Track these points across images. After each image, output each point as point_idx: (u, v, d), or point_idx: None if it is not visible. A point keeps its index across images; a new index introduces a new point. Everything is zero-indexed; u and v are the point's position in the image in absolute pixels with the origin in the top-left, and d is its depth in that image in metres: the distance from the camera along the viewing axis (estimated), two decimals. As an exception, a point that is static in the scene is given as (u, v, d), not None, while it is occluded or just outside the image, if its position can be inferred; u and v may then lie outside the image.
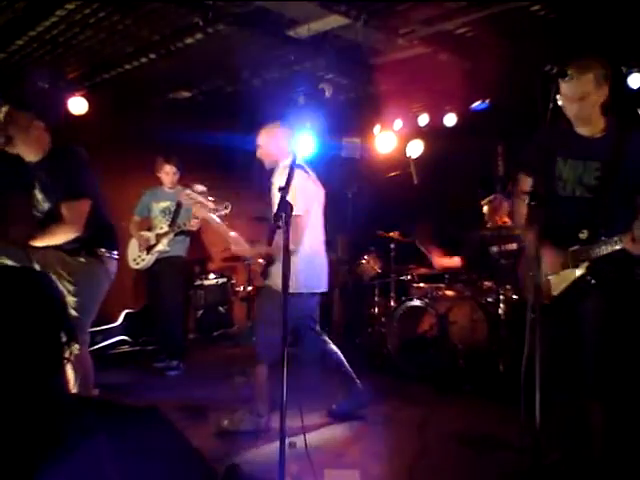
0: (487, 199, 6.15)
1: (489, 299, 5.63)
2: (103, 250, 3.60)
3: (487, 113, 6.52)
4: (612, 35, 4.93)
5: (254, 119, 7.38)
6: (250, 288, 7.81)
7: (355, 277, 6.80)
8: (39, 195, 3.56)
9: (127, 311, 6.71)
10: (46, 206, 3.55)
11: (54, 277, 3.42)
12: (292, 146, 4.16)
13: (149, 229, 6.02)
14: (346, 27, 5.18)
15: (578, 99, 2.93)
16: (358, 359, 5.31)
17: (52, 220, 3.49)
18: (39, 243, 3.47)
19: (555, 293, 3.07)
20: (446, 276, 6.15)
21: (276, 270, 3.98)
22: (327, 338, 4.38)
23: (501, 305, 5.37)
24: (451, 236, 6.46)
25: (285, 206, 2.60)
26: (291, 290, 3.86)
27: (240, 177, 7.80)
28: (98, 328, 6.22)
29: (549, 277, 3.07)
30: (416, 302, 5.80)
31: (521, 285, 3.48)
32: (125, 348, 6.53)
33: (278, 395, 2.41)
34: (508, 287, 5.44)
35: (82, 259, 3.50)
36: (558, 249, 3.03)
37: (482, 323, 5.44)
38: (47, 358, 1.35)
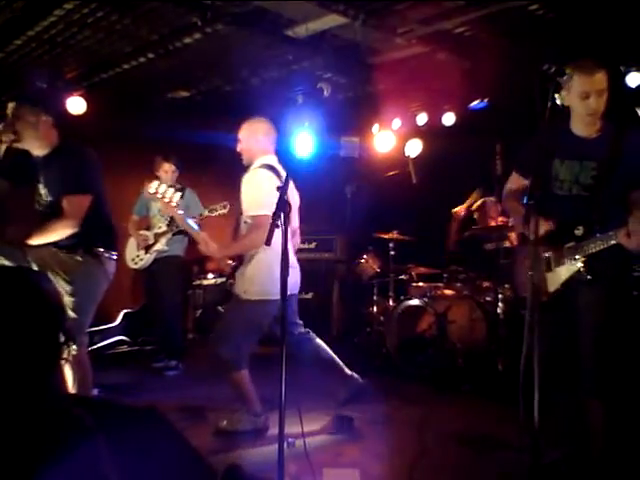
0: (477, 204, 6.15)
1: (488, 298, 5.64)
2: (102, 250, 3.59)
3: (485, 112, 6.52)
4: (610, 34, 4.94)
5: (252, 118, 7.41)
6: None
7: (354, 276, 6.80)
8: (42, 189, 3.56)
9: (126, 311, 6.70)
10: (48, 200, 3.55)
11: (51, 277, 3.41)
12: (271, 144, 4.12)
13: (147, 228, 6.01)
14: (344, 26, 5.18)
15: (598, 94, 2.94)
16: (357, 359, 5.32)
17: (53, 214, 3.49)
18: (37, 239, 3.45)
19: (551, 289, 3.09)
20: (445, 275, 6.15)
21: (241, 275, 3.96)
22: (311, 336, 4.29)
23: (500, 304, 5.37)
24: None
25: (284, 206, 2.60)
26: (253, 297, 3.89)
27: (239, 176, 7.80)
28: (96, 328, 6.21)
29: (546, 274, 3.09)
30: (415, 301, 5.80)
31: (516, 283, 3.49)
32: (124, 348, 6.53)
33: (276, 395, 2.41)
34: (507, 286, 5.44)
35: (79, 257, 3.48)
36: (554, 246, 3.05)
37: (481, 322, 5.45)
38: (44, 358, 1.35)
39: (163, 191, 3.86)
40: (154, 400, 4.53)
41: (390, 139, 7.29)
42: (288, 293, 3.95)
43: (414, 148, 7.08)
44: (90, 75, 6.53)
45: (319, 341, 4.26)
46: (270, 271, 3.82)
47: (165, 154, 6.04)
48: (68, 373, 3.42)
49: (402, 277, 6.50)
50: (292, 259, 4.10)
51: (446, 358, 5.43)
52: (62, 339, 1.40)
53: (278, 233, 3.88)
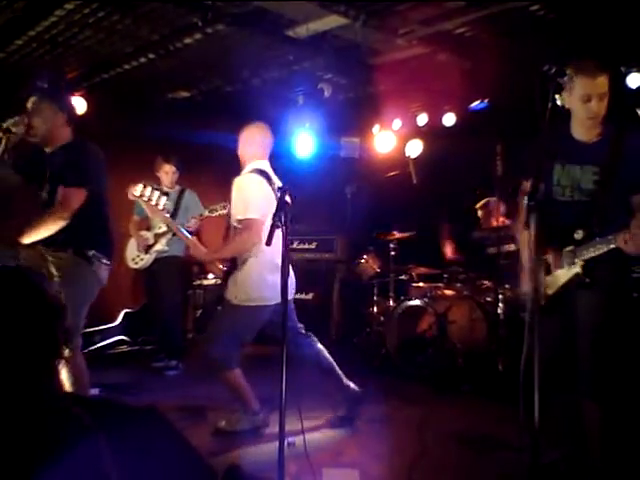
0: (481, 203, 6.17)
1: (488, 298, 5.64)
2: (96, 253, 3.53)
3: (486, 113, 6.52)
4: (611, 35, 4.94)
5: (253, 119, 7.41)
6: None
7: (354, 276, 6.80)
8: (47, 183, 3.55)
9: (126, 311, 6.71)
10: (49, 193, 3.54)
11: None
12: (265, 149, 4.12)
13: (148, 229, 6.02)
14: (345, 27, 5.19)
15: (599, 98, 2.94)
16: (357, 359, 5.34)
17: (50, 205, 3.49)
18: (30, 234, 3.41)
19: (550, 292, 3.09)
20: (445, 276, 6.16)
21: (233, 280, 3.95)
22: (312, 340, 4.27)
23: (500, 304, 5.38)
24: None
25: (284, 206, 2.61)
26: (243, 302, 3.88)
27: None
28: (97, 328, 6.22)
29: (545, 277, 3.09)
30: (415, 302, 5.80)
31: (519, 285, 3.48)
32: (124, 348, 6.53)
33: (276, 395, 2.42)
34: (507, 286, 5.45)
35: (67, 257, 3.44)
36: (554, 250, 3.05)
37: (481, 322, 5.45)
38: (43, 357, 1.35)
39: (149, 194, 3.81)
40: (154, 400, 4.54)
41: (390, 139, 7.29)
42: (270, 303, 3.93)
43: (414, 149, 7.08)
44: (91, 75, 6.54)
45: (320, 346, 4.25)
46: (261, 277, 3.83)
47: (166, 155, 6.04)
48: (64, 376, 3.41)
49: (402, 277, 6.51)
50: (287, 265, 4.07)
51: (446, 358, 5.43)
52: (62, 338, 1.40)
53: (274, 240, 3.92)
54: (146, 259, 5.88)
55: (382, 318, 6.33)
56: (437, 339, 5.54)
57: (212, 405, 4.52)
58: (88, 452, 1.22)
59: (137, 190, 3.83)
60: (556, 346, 3.02)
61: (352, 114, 7.45)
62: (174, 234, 5.82)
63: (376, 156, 7.43)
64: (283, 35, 5.38)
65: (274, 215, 2.66)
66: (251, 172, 3.98)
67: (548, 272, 3.09)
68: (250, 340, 4.06)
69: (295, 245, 7.04)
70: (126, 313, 6.69)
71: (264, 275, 3.84)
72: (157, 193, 3.86)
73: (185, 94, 7.38)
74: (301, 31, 5.30)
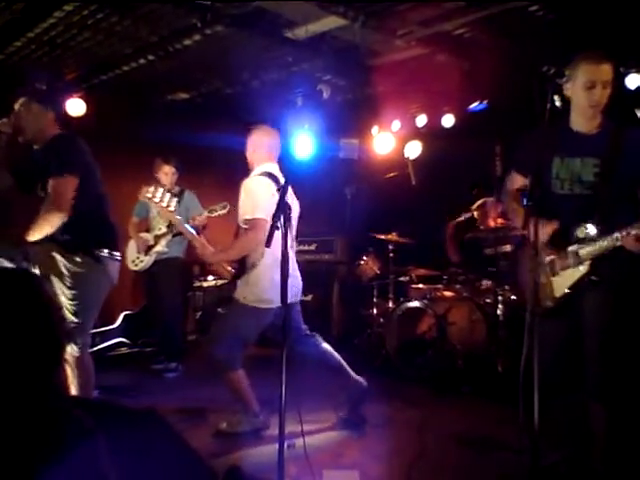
0: (477, 203, 6.17)
1: (487, 300, 5.64)
2: (105, 251, 3.56)
3: (485, 114, 6.52)
4: (610, 36, 4.94)
5: (252, 120, 7.41)
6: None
7: (354, 278, 6.80)
8: (40, 182, 3.54)
9: (126, 312, 6.70)
10: (42, 193, 3.53)
11: (53, 280, 3.41)
12: (273, 152, 4.14)
13: (147, 230, 6.02)
14: (344, 28, 5.19)
15: (603, 85, 2.92)
16: (357, 360, 5.30)
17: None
18: (34, 233, 3.41)
19: (558, 295, 3.02)
20: (444, 277, 6.16)
21: (243, 281, 3.97)
22: (317, 340, 4.30)
23: (499, 306, 5.38)
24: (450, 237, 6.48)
25: (284, 207, 2.60)
26: (251, 303, 3.90)
27: (238, 178, 7.80)
28: (97, 330, 6.21)
29: (551, 278, 3.05)
30: (415, 303, 5.80)
31: (521, 287, 3.46)
32: (124, 350, 6.52)
33: (276, 396, 2.41)
34: (506, 288, 5.44)
35: (78, 259, 3.45)
36: (558, 249, 3.02)
37: (481, 324, 5.45)
38: (44, 359, 1.35)
39: (160, 196, 3.85)
40: (154, 402, 4.53)
41: (389, 141, 7.30)
42: (289, 300, 4.03)
43: (414, 150, 7.08)
44: (90, 77, 6.54)
45: (326, 345, 4.27)
46: (270, 279, 3.84)
47: (165, 156, 6.04)
48: (70, 375, 3.42)
49: (402, 279, 6.51)
50: (293, 267, 4.09)
51: (446, 360, 5.43)
52: (62, 340, 1.40)
53: (277, 241, 3.93)
54: (146, 261, 5.88)
55: (382, 319, 6.32)
56: (437, 340, 5.53)
57: (212, 407, 4.51)
58: (89, 454, 1.22)
59: (149, 192, 3.86)
60: (563, 348, 3.00)
61: (351, 115, 7.46)
62: (174, 235, 5.84)
63: (375, 157, 7.43)
64: (282, 36, 5.38)
65: (273, 216, 2.66)
66: (260, 175, 4.02)
67: (554, 273, 3.04)
68: (252, 342, 4.07)
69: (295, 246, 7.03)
70: (126, 315, 6.68)
71: (273, 276, 3.82)
72: (168, 195, 3.91)
73: (184, 96, 7.38)
74: (300, 32, 5.30)
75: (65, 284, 3.41)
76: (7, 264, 3.44)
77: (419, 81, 6.37)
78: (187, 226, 4.12)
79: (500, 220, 5.77)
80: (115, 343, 6.48)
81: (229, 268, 4.16)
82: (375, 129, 7.47)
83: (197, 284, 7.59)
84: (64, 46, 5.71)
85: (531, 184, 2.65)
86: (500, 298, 5.39)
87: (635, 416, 2.93)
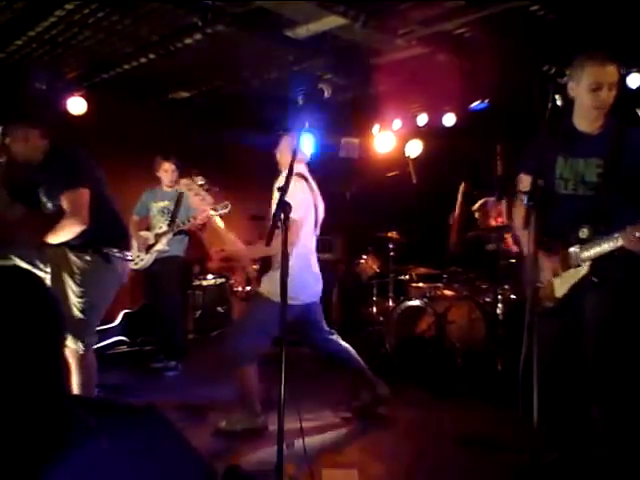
0: (478, 204, 6.17)
1: (487, 299, 5.64)
2: (114, 250, 3.60)
3: (486, 113, 6.52)
4: (611, 35, 4.94)
5: (253, 119, 7.42)
6: (249, 288, 7.81)
7: (353, 277, 6.81)
8: (43, 198, 3.59)
9: (125, 311, 6.70)
10: (50, 205, 3.57)
11: (64, 277, 3.44)
12: (302, 154, 4.25)
13: (148, 229, 6.02)
14: (345, 27, 5.19)
15: (609, 87, 2.92)
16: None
17: (59, 215, 3.51)
18: (53, 239, 3.47)
19: (559, 295, 3.02)
20: (444, 276, 6.16)
21: (269, 277, 4.01)
22: (336, 338, 4.39)
23: (499, 305, 5.37)
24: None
25: (284, 207, 2.61)
26: (276, 298, 3.92)
27: (239, 177, 7.81)
28: (96, 328, 6.21)
29: (552, 279, 3.05)
30: (414, 302, 5.80)
31: (523, 287, 3.45)
32: (123, 348, 6.52)
33: (275, 394, 2.42)
34: (506, 287, 5.45)
35: (88, 257, 3.50)
36: (559, 249, 3.01)
37: (480, 323, 5.45)
38: (44, 358, 1.35)
39: (198, 188, 3.92)
40: (153, 400, 4.53)
41: (390, 140, 7.30)
42: (311, 300, 4.15)
43: (414, 149, 7.08)
44: (91, 75, 6.54)
45: (345, 344, 4.37)
46: (297, 276, 3.87)
47: (165, 153, 6.04)
48: (73, 373, 3.44)
49: (402, 277, 6.51)
50: (316, 267, 4.22)
51: (445, 358, 5.43)
52: (61, 337, 1.40)
53: (308, 237, 3.98)
54: (146, 259, 5.88)
55: (381, 318, 6.33)
56: (436, 339, 5.54)
57: (211, 406, 4.52)
58: (91, 453, 1.22)
59: (187, 183, 3.93)
60: (563, 348, 3.00)
61: (352, 114, 7.46)
62: (175, 234, 5.85)
63: (376, 156, 7.43)
64: (283, 35, 5.38)
65: (274, 214, 2.67)
66: (295, 175, 4.06)
67: (556, 274, 3.04)
68: (270, 340, 4.08)
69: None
70: (125, 313, 6.68)
71: (301, 274, 3.96)
72: (204, 190, 3.98)
73: (185, 94, 7.38)
74: (301, 31, 5.30)
75: (74, 281, 3.45)
76: (23, 265, 3.46)
77: (420, 80, 6.36)
78: (219, 221, 4.14)
79: (501, 219, 5.77)
80: (114, 341, 6.48)
81: (254, 266, 4.19)
82: (376, 128, 7.48)
83: (197, 283, 7.60)
84: (65, 45, 5.71)
85: (532, 184, 2.64)
86: (500, 297, 5.39)
87: (634, 417, 2.93)
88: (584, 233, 2.91)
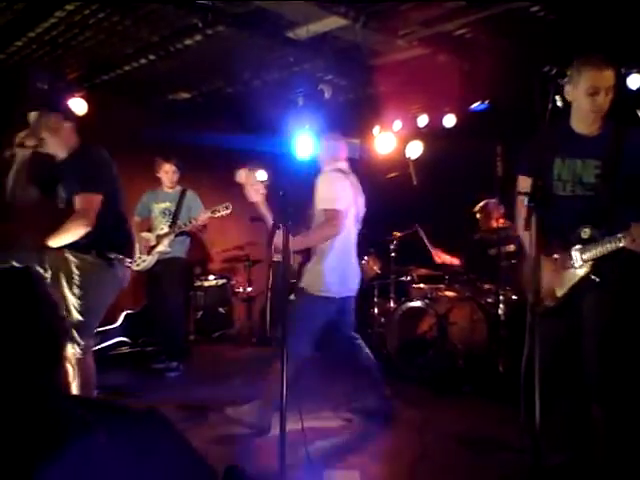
0: (479, 206, 6.17)
1: (489, 300, 5.64)
2: (116, 255, 3.60)
3: (486, 114, 6.52)
4: (612, 36, 4.94)
5: (253, 120, 7.42)
6: (250, 289, 7.82)
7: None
8: (62, 192, 3.59)
9: (127, 312, 6.70)
10: (64, 199, 3.58)
11: (62, 279, 3.44)
12: (341, 153, 4.36)
13: (149, 230, 6.02)
14: (345, 28, 5.19)
15: (606, 91, 2.92)
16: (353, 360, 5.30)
17: (68, 211, 3.52)
18: (55, 241, 3.46)
19: (559, 294, 3.03)
20: (446, 277, 6.16)
21: (308, 271, 4.07)
22: (361, 343, 4.40)
23: (501, 306, 5.37)
24: (451, 237, 6.49)
25: (285, 207, 2.61)
26: (320, 293, 3.99)
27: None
28: (98, 329, 6.21)
29: (553, 279, 3.05)
30: (416, 303, 5.80)
31: (523, 287, 3.46)
32: (125, 349, 6.52)
33: (277, 395, 2.42)
34: (508, 288, 5.45)
35: (91, 259, 3.49)
36: (560, 250, 3.02)
37: (482, 324, 5.45)
38: (43, 358, 1.35)
39: (253, 179, 4.01)
40: (155, 401, 4.53)
41: (391, 141, 7.30)
42: (349, 294, 4.19)
43: (415, 150, 7.08)
44: (91, 76, 6.55)
45: (367, 350, 4.39)
46: (337, 269, 4.02)
47: (165, 155, 6.04)
48: (71, 375, 3.43)
49: (403, 278, 6.51)
50: (356, 261, 4.30)
51: (447, 359, 5.43)
52: (63, 339, 1.40)
53: (346, 233, 4.07)
54: (148, 260, 5.88)
55: (383, 319, 6.33)
56: (438, 340, 5.53)
57: (213, 406, 4.51)
58: (91, 453, 1.22)
59: (243, 174, 4.01)
60: (563, 348, 3.00)
61: (352, 115, 7.46)
62: (176, 235, 5.85)
63: (376, 157, 7.43)
64: (283, 36, 5.39)
65: (275, 216, 2.68)
66: (332, 170, 4.22)
67: (557, 273, 3.04)
68: (313, 341, 4.07)
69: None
70: (127, 314, 6.68)
71: (341, 267, 4.07)
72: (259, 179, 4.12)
73: (185, 95, 7.39)
74: (301, 32, 5.31)
75: (74, 283, 3.44)
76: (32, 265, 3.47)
77: (420, 81, 6.36)
78: (266, 211, 4.14)
79: (502, 221, 5.77)
80: (116, 342, 6.48)
81: (297, 258, 4.21)
82: (376, 129, 7.47)
83: (198, 284, 7.60)
84: (65, 46, 5.72)
85: (532, 185, 2.65)
86: (501, 298, 5.38)
87: (635, 416, 2.93)
88: (586, 233, 2.92)
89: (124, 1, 4.84)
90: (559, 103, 2.98)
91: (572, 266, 2.98)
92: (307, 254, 4.11)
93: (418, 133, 7.17)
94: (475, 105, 6.56)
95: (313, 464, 3.10)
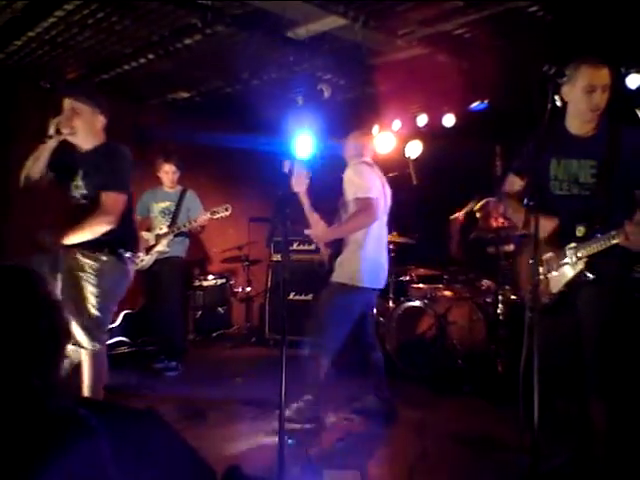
0: (480, 204, 6.17)
1: (488, 299, 5.64)
2: (127, 252, 3.63)
3: (485, 113, 6.52)
4: (610, 35, 4.94)
5: (253, 120, 7.42)
6: (249, 289, 7.82)
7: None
8: (80, 181, 3.59)
9: (126, 312, 6.69)
10: (83, 193, 3.59)
11: (80, 278, 3.46)
12: (367, 149, 4.52)
13: (148, 229, 6.01)
14: (345, 28, 5.19)
15: (603, 90, 2.95)
16: (356, 360, 5.30)
17: (86, 207, 3.53)
18: (74, 237, 3.47)
19: (554, 290, 3.07)
20: (445, 277, 6.16)
21: (340, 262, 4.12)
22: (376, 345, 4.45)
23: (500, 305, 5.37)
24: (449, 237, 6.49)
25: (283, 207, 2.61)
26: (355, 282, 4.03)
27: (239, 177, 7.81)
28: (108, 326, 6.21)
29: (548, 275, 3.08)
30: (415, 302, 5.80)
31: (518, 284, 3.49)
32: (124, 349, 6.51)
33: (277, 395, 2.41)
34: (507, 287, 5.45)
35: (104, 257, 3.51)
36: (555, 247, 3.04)
37: (481, 323, 5.45)
38: (43, 357, 1.35)
39: (299, 169, 4.19)
40: (154, 401, 4.54)
41: (390, 140, 7.29)
42: (380, 286, 4.25)
43: (414, 149, 7.08)
44: (90, 76, 6.54)
45: (380, 355, 4.44)
46: (372, 259, 4.09)
47: (166, 155, 6.04)
48: (84, 371, 3.46)
49: (402, 278, 6.50)
50: (387, 252, 4.34)
51: (446, 359, 5.43)
52: (63, 337, 1.40)
53: (379, 222, 4.14)
54: (147, 260, 5.88)
55: (382, 319, 6.32)
56: (437, 340, 5.53)
57: (212, 406, 4.52)
58: (92, 453, 1.22)
59: (287, 165, 4.02)
60: (560, 345, 3.02)
61: (352, 115, 7.45)
62: (175, 235, 5.85)
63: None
64: (283, 36, 5.38)
65: (274, 215, 2.68)
66: (361, 163, 4.33)
67: (551, 270, 3.07)
68: (347, 333, 4.10)
69: (295, 246, 7.05)
70: (126, 314, 6.67)
71: (373, 258, 4.12)
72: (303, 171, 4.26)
73: (185, 95, 7.38)
74: (301, 32, 5.31)
75: (90, 282, 3.46)
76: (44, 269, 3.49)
77: (420, 81, 6.36)
78: (306, 200, 4.29)
79: (502, 220, 5.77)
80: (115, 342, 6.48)
81: (328, 250, 4.28)
82: (376, 128, 7.47)
83: (197, 283, 7.60)
84: (65, 45, 5.71)
85: (531, 184, 2.67)
86: (500, 298, 5.39)
87: (635, 412, 2.95)
88: (580, 231, 2.97)
89: (123, 1, 4.83)
90: (558, 103, 2.99)
91: (567, 263, 3.01)
92: (337, 246, 4.17)
93: (417, 133, 7.17)
94: (474, 105, 6.56)
95: (313, 464, 3.10)
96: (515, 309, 5.26)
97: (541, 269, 3.06)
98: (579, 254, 2.95)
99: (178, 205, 5.99)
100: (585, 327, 2.98)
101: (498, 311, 5.38)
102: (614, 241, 2.80)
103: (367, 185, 4.10)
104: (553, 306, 3.04)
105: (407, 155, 7.02)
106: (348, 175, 4.21)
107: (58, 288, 3.48)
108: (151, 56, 5.93)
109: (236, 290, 7.95)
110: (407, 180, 6.80)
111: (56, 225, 3.64)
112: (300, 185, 4.20)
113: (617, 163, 2.94)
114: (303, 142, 6.45)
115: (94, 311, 3.45)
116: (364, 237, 4.09)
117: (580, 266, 2.96)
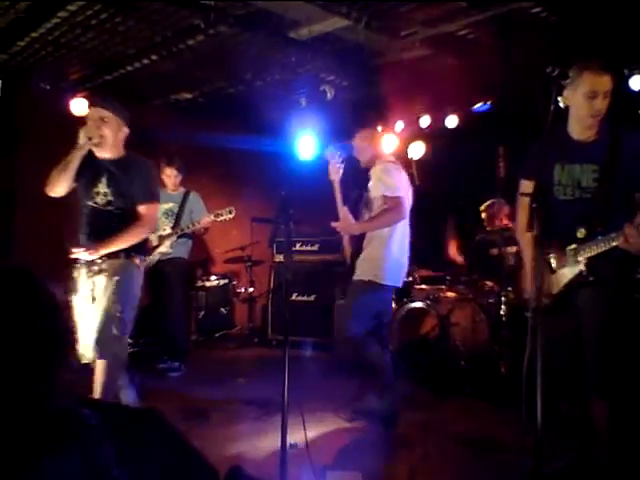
0: (485, 205, 6.17)
1: (491, 301, 5.63)
2: (140, 256, 3.77)
3: (488, 115, 6.52)
4: (614, 37, 4.94)
5: (255, 120, 7.43)
6: (251, 290, 7.82)
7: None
8: (105, 189, 3.68)
9: (128, 312, 6.70)
10: (109, 200, 3.68)
11: (105, 287, 3.53)
12: (376, 148, 4.50)
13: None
14: (347, 29, 5.19)
15: (604, 96, 2.96)
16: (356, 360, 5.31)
17: (112, 214, 3.65)
18: (116, 244, 3.59)
19: (554, 292, 3.08)
20: (447, 278, 6.15)
21: (362, 260, 4.18)
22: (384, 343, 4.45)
23: (503, 307, 5.37)
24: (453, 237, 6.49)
25: (286, 207, 2.61)
26: (378, 280, 4.09)
27: (241, 178, 7.81)
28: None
29: (548, 277, 3.08)
30: (418, 304, 5.79)
31: (519, 287, 3.49)
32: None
33: (279, 395, 2.41)
34: (510, 289, 5.44)
35: (122, 263, 3.63)
36: (556, 248, 3.05)
37: (484, 325, 5.44)
38: (46, 358, 1.35)
39: (336, 159, 4.29)
40: (157, 401, 4.53)
41: (393, 141, 7.29)
42: (398, 285, 4.33)
43: (417, 150, 7.08)
44: (93, 77, 6.56)
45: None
46: (396, 257, 4.17)
47: (168, 158, 6.04)
48: (101, 372, 3.52)
49: (405, 279, 6.49)
50: (407, 253, 4.39)
51: (449, 360, 5.43)
52: (65, 339, 1.40)
53: (405, 221, 4.22)
54: (148, 260, 5.87)
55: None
56: (439, 341, 5.53)
57: (215, 406, 4.52)
58: (95, 453, 1.22)
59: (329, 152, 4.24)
60: (562, 346, 3.02)
61: (354, 116, 7.45)
62: (179, 236, 5.86)
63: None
64: (285, 37, 5.39)
65: (277, 216, 2.68)
66: (388, 162, 4.37)
67: (552, 271, 3.09)
68: (375, 324, 4.15)
69: (297, 247, 7.05)
70: (128, 315, 6.68)
71: (396, 256, 4.19)
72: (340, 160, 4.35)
73: (188, 96, 7.39)
74: (304, 33, 5.31)
75: (112, 290, 3.56)
76: None
77: (423, 82, 6.36)
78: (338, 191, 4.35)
79: (506, 221, 5.78)
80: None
81: (350, 248, 4.40)
82: (379, 129, 7.46)
83: (200, 284, 7.60)
84: (68, 46, 5.73)
85: (535, 187, 2.67)
86: (503, 299, 5.38)
87: (636, 412, 2.95)
88: (581, 233, 2.98)
89: (127, 1, 4.84)
90: (561, 104, 2.99)
91: (567, 264, 3.03)
92: (359, 243, 4.23)
93: (420, 134, 7.18)
94: (477, 106, 6.57)
95: (315, 465, 3.09)
96: (518, 310, 5.25)
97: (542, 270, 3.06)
98: (579, 256, 2.97)
99: (181, 207, 6.00)
100: (585, 327, 3.00)
101: (501, 312, 5.37)
102: (614, 243, 2.81)
103: (396, 184, 4.18)
104: (553, 307, 3.05)
105: (410, 156, 7.02)
106: (376, 173, 4.26)
107: (73, 311, 3.62)
108: (154, 57, 5.94)
109: (239, 291, 7.95)
110: (410, 181, 6.80)
111: (71, 231, 3.77)
112: (335, 174, 4.29)
113: (618, 167, 2.96)
114: (306, 143, 6.46)
115: (118, 314, 3.54)
116: (390, 235, 4.16)
117: (580, 267, 2.98)
